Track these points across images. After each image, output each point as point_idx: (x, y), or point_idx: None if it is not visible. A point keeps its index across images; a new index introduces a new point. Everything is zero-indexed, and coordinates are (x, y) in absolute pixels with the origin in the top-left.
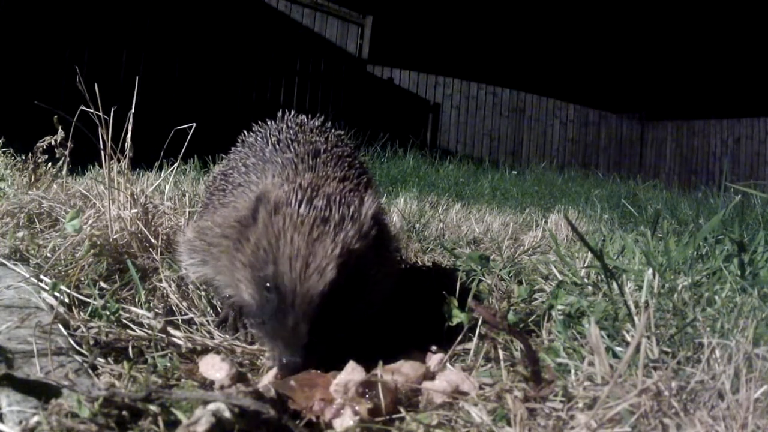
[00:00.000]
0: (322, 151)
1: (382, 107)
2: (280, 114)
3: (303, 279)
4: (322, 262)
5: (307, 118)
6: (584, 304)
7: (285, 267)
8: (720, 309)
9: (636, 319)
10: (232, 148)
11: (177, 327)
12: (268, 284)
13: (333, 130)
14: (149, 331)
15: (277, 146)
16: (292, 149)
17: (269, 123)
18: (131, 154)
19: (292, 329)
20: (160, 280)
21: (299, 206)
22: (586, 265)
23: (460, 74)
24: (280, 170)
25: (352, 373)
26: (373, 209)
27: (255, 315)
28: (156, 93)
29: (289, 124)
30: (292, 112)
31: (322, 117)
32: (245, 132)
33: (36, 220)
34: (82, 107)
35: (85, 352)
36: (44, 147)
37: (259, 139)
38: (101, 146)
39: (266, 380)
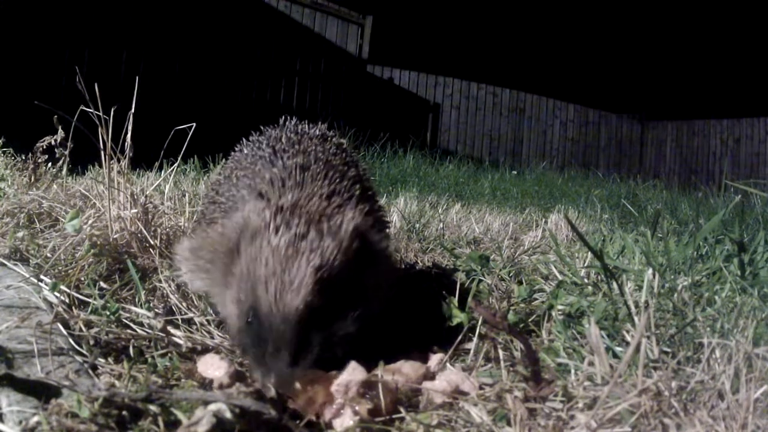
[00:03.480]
0: (313, 161)
1: (382, 107)
2: (282, 121)
3: (278, 299)
4: (297, 279)
5: (308, 125)
6: (584, 304)
7: (261, 290)
8: (720, 309)
9: (636, 319)
10: (231, 154)
11: (177, 327)
12: (250, 313)
13: (334, 139)
14: (149, 331)
15: (267, 159)
16: (282, 162)
17: (268, 131)
18: (131, 154)
19: (273, 351)
20: (160, 280)
21: (276, 230)
22: (586, 265)
23: (460, 74)
24: (266, 187)
25: (353, 373)
26: (354, 223)
27: (242, 344)
28: (156, 93)
29: (288, 133)
30: (294, 120)
31: (325, 125)
32: (243, 140)
33: (36, 220)
34: (82, 107)
35: (85, 352)
36: (44, 147)
37: (255, 149)
38: (101, 146)
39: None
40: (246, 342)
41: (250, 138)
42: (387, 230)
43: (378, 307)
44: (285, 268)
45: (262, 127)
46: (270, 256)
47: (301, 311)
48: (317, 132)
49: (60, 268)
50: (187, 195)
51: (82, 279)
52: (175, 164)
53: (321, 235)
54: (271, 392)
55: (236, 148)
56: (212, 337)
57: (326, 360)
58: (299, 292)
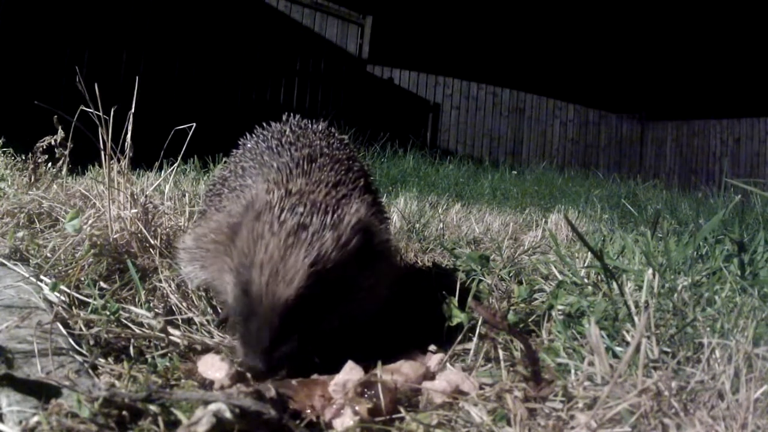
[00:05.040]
0: (319, 155)
1: (382, 107)
2: (285, 117)
3: (269, 286)
4: (291, 271)
5: (311, 121)
6: (584, 304)
7: (256, 272)
8: (720, 309)
9: (636, 319)
10: (233, 151)
11: (177, 327)
12: (245, 288)
13: (336, 134)
14: (149, 331)
15: (275, 149)
16: (289, 153)
17: (272, 125)
18: (131, 154)
19: (254, 334)
20: (160, 280)
21: (281, 212)
22: (586, 265)
23: (460, 74)
24: (275, 175)
25: (350, 372)
26: (356, 218)
27: (233, 315)
28: (156, 93)
29: (292, 127)
30: (297, 116)
31: (326, 121)
32: (247, 134)
33: (36, 220)
34: (82, 107)
35: (85, 352)
36: (44, 147)
37: (260, 142)
38: (101, 146)
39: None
40: (237, 316)
41: (255, 132)
42: (388, 226)
43: (374, 306)
44: (282, 257)
45: (264, 124)
46: (270, 242)
47: (290, 303)
48: (320, 127)
49: (60, 268)
50: (187, 195)
51: (82, 279)
52: (175, 164)
53: (323, 228)
54: (271, 392)
55: (240, 143)
56: (212, 337)
57: (307, 357)
58: (290, 284)
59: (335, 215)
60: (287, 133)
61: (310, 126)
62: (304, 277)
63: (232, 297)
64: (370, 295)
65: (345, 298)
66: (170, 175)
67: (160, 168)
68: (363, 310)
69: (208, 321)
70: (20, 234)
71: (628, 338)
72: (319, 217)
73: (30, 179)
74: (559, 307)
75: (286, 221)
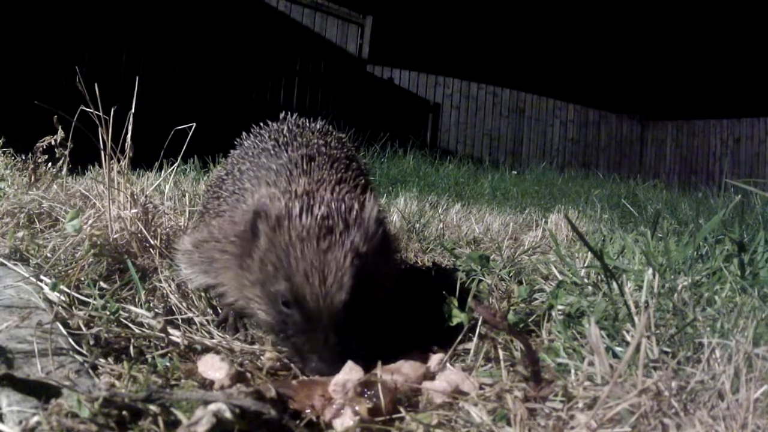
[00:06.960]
0: (318, 154)
1: (382, 107)
2: (282, 116)
3: (324, 293)
4: (339, 273)
5: (309, 120)
6: (584, 304)
7: (302, 282)
8: (720, 309)
9: (636, 319)
10: (231, 152)
11: (177, 327)
12: (284, 300)
13: (334, 133)
14: (149, 331)
15: (272, 151)
16: (287, 154)
17: (270, 125)
18: (131, 154)
19: (324, 342)
20: (160, 280)
21: (300, 217)
22: (586, 265)
23: (460, 74)
24: (275, 177)
25: (350, 372)
26: (375, 212)
27: (276, 330)
28: (156, 93)
29: (290, 126)
30: (295, 115)
31: (324, 120)
32: (245, 134)
33: (36, 220)
34: (82, 107)
35: (85, 352)
36: (44, 147)
37: (257, 142)
38: (101, 146)
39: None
40: (284, 329)
41: (251, 131)
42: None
43: (388, 295)
44: (322, 261)
45: (262, 124)
46: (304, 249)
47: (346, 303)
48: (318, 126)
49: (60, 268)
50: (187, 195)
51: (82, 279)
52: (175, 164)
53: (347, 225)
54: (271, 392)
55: (237, 143)
56: (212, 337)
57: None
58: (342, 285)
59: (354, 212)
60: (284, 132)
61: (307, 125)
62: (350, 277)
63: (261, 311)
64: (387, 285)
65: (374, 288)
66: (170, 175)
67: (160, 168)
68: (383, 301)
69: (208, 321)
70: (20, 234)
71: (628, 338)
72: (340, 216)
73: (30, 179)
74: (559, 307)
75: (310, 224)
